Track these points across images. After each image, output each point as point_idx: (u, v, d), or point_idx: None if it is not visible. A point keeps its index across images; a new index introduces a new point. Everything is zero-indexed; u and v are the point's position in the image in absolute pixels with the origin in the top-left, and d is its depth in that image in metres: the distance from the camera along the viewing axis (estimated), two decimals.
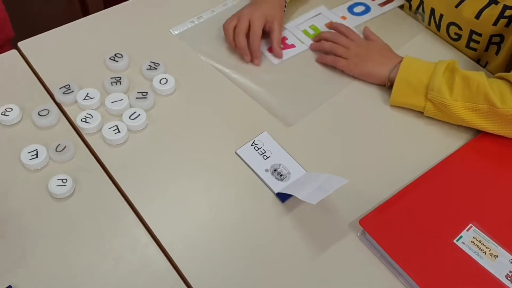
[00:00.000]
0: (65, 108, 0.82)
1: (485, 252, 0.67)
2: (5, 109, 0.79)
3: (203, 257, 0.67)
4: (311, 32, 0.97)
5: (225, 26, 0.91)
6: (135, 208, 0.71)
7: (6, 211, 0.70)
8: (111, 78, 0.84)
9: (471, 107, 0.78)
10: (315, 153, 0.79)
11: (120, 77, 0.85)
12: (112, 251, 0.67)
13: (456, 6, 0.90)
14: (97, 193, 0.72)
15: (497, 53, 0.91)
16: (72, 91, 0.82)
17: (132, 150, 0.78)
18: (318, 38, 0.95)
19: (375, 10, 1.02)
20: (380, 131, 0.83)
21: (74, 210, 0.70)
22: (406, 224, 0.70)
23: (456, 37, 0.95)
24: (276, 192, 0.74)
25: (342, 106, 0.86)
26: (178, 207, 0.72)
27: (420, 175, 0.76)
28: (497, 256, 0.66)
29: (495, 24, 0.87)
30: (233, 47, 0.91)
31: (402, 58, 0.84)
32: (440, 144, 0.81)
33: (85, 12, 1.75)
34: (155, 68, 0.87)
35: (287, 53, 0.93)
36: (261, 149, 0.78)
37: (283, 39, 0.95)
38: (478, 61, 0.95)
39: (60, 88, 0.82)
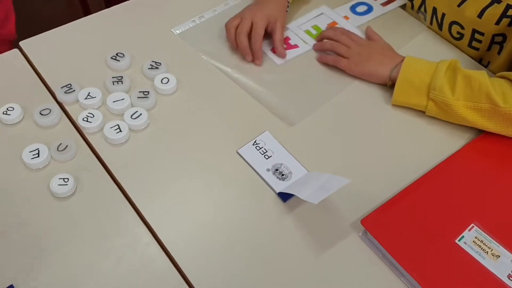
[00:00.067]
0: (67, 108, 0.82)
1: (487, 252, 0.67)
2: (7, 109, 0.79)
3: (204, 256, 0.67)
4: (314, 32, 0.97)
5: (227, 26, 0.91)
6: (137, 208, 0.71)
7: (7, 210, 0.70)
8: (112, 77, 0.84)
9: (473, 106, 0.78)
10: (316, 152, 0.79)
11: (122, 77, 0.85)
12: (113, 250, 0.67)
13: (459, 5, 0.90)
14: (99, 192, 0.72)
15: (499, 52, 0.91)
16: (74, 90, 0.82)
17: (134, 150, 0.78)
18: (321, 37, 0.95)
19: (378, 10, 1.02)
20: (382, 131, 0.83)
21: (76, 209, 0.70)
22: (408, 224, 0.69)
23: (458, 36, 0.94)
24: (277, 191, 0.73)
25: (344, 105, 0.86)
26: (179, 207, 0.72)
27: (421, 175, 0.76)
28: (499, 256, 0.66)
29: (497, 23, 0.87)
30: (235, 47, 0.91)
31: (404, 57, 0.84)
32: (441, 143, 0.81)
33: (86, 12, 1.75)
34: (157, 68, 0.87)
35: (290, 54, 0.93)
36: (262, 149, 0.78)
37: (286, 39, 0.95)
38: (480, 60, 0.95)
39: (61, 88, 0.82)
